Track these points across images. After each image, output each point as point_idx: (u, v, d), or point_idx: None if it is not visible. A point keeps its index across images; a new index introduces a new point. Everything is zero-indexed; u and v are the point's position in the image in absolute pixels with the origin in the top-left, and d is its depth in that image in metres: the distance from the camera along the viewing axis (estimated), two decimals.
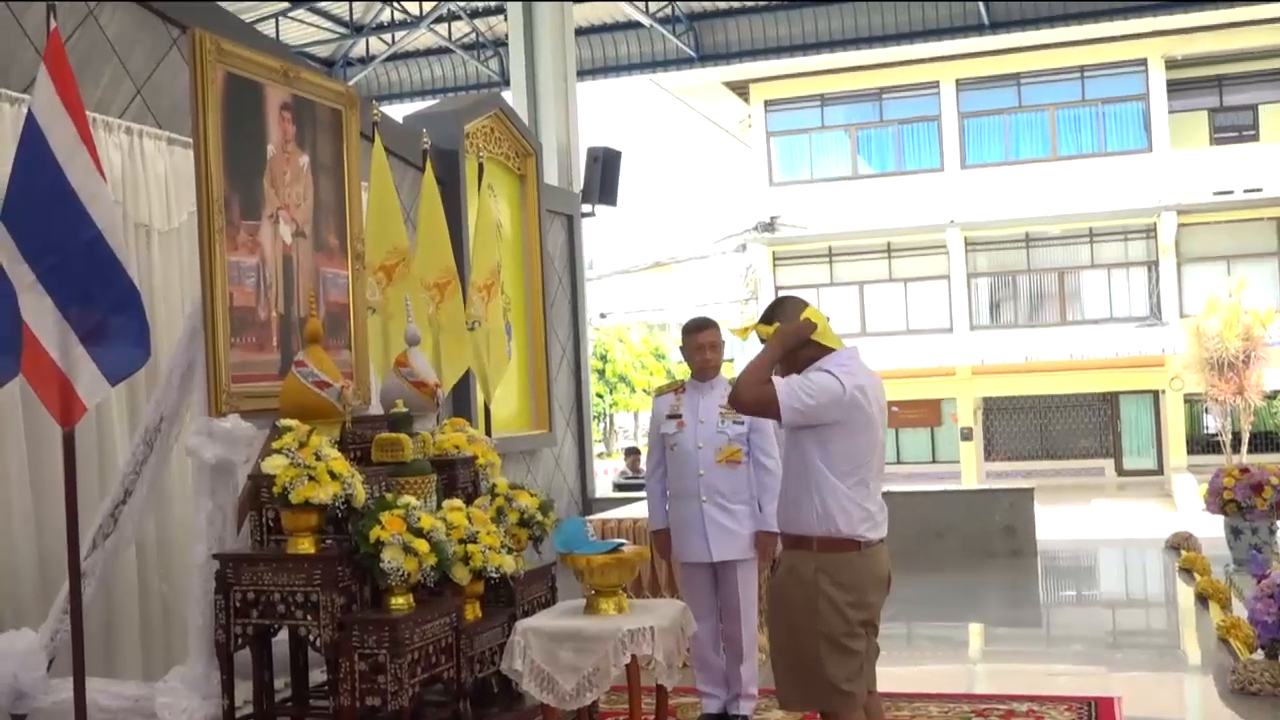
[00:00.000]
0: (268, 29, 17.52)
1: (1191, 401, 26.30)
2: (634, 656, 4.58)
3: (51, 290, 4.29)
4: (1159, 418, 27.16)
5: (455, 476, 5.17)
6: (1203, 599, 8.50)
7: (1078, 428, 28.44)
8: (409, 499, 4.48)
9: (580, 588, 4.95)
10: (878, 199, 26.90)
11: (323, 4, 18.36)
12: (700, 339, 5.73)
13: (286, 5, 17.87)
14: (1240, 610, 7.48)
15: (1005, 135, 27.03)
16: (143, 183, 6.04)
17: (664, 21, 18.74)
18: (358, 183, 5.70)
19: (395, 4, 18.77)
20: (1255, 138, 26.38)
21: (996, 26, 18.33)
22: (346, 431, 4.94)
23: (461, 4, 18.75)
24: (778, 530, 4.41)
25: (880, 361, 20.26)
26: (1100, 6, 17.69)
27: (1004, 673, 7.47)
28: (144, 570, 5.88)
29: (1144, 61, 25.99)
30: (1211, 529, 10.30)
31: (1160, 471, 26.78)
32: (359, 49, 20.22)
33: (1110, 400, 27.92)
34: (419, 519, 4.38)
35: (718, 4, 19.06)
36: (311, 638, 4.32)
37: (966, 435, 27.54)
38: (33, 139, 4.29)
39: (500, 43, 18.96)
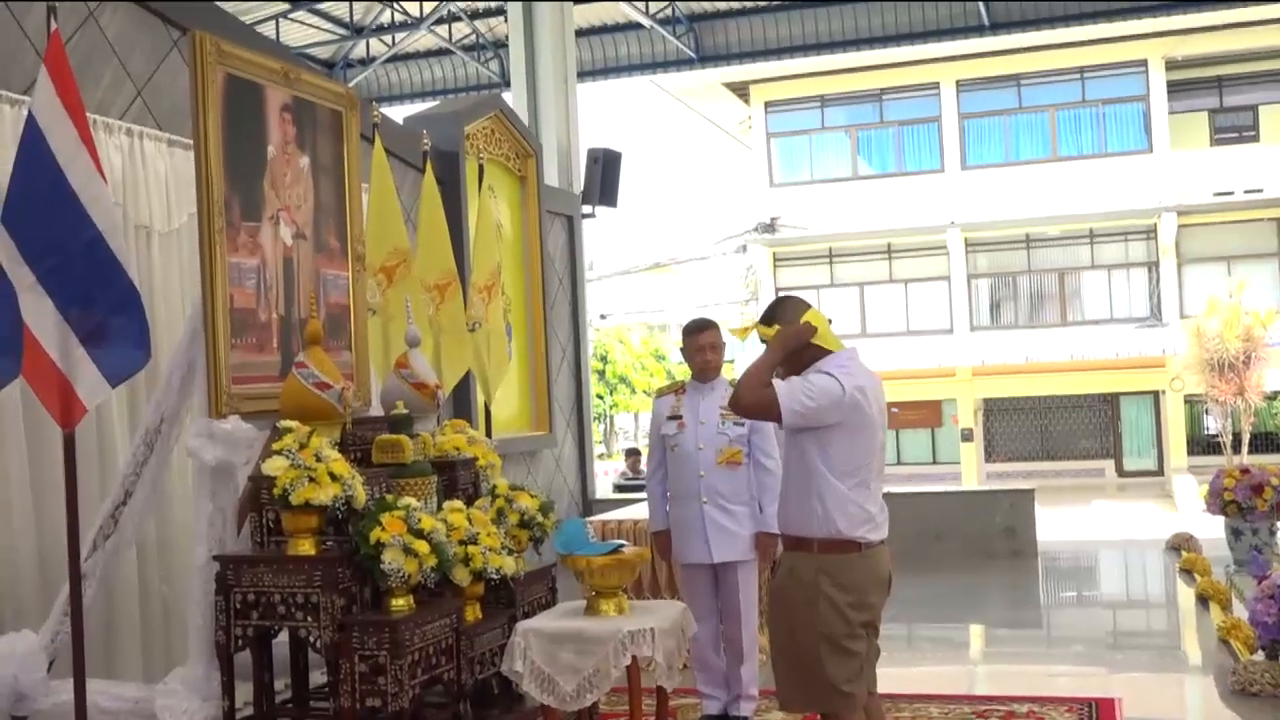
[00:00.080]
0: (268, 30, 17.53)
1: (1192, 402, 26.31)
2: (634, 658, 4.57)
3: (52, 291, 4.29)
4: (1159, 418, 27.17)
5: (456, 478, 5.17)
6: (1203, 600, 8.50)
7: (1078, 429, 28.44)
8: (409, 500, 4.48)
9: (580, 589, 4.94)
10: (878, 200, 26.90)
11: (323, 5, 18.37)
12: (700, 340, 5.73)
13: (287, 7, 17.87)
14: (1241, 611, 7.48)
15: (1005, 136, 27.04)
16: (143, 184, 6.05)
17: (664, 23, 18.74)
18: (358, 184, 5.70)
19: (395, 5, 18.77)
20: (1255, 138, 26.39)
21: (997, 27, 18.34)
22: (347, 433, 4.94)
23: (461, 5, 18.75)
24: (778, 531, 4.41)
25: (880, 362, 20.29)
26: (1100, 7, 17.70)
27: (1004, 674, 7.47)
28: (144, 572, 5.88)
29: (1144, 62, 26.00)
30: (1212, 530, 10.29)
31: (1161, 472, 26.78)
32: (359, 50, 20.23)
33: (1111, 401, 27.92)
34: (419, 520, 4.38)
35: (718, 5, 19.06)
36: (312, 639, 4.32)
37: (967, 436, 27.54)
38: (33, 140, 4.29)
39: (500, 44, 18.97)
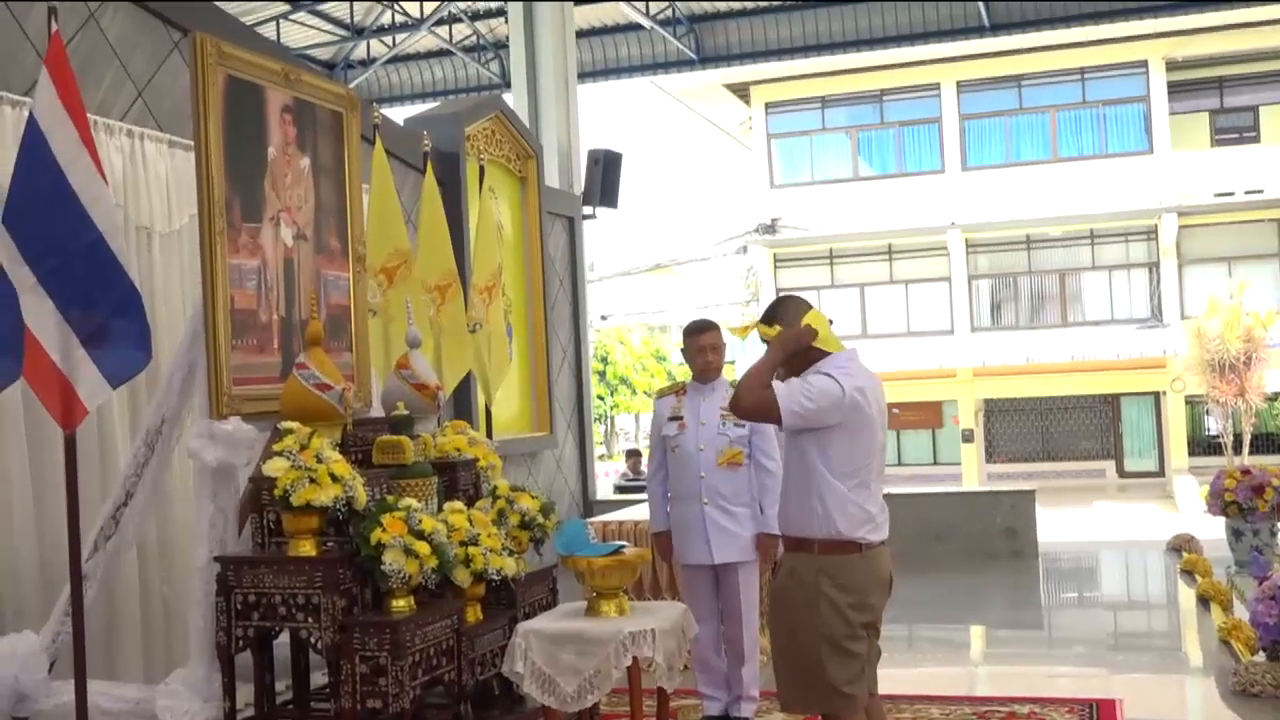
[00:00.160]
0: (269, 32, 17.55)
1: (1193, 403, 26.30)
2: (635, 659, 4.57)
3: (53, 293, 4.29)
4: (1160, 419, 27.16)
5: (456, 479, 5.18)
6: (1204, 601, 8.50)
7: (1079, 429, 28.43)
8: (410, 501, 4.48)
9: (581, 590, 4.94)
10: (879, 201, 26.90)
11: (323, 6, 18.38)
12: (701, 341, 5.73)
13: (287, 8, 17.89)
14: (1242, 612, 7.48)
15: (1006, 137, 27.04)
16: (144, 185, 6.05)
17: (664, 24, 18.75)
18: (359, 185, 5.70)
19: (396, 6, 18.78)
20: (1256, 139, 26.38)
21: (997, 28, 18.36)
22: (348, 434, 4.94)
23: (462, 6, 18.76)
24: (779, 532, 4.41)
25: (881, 363, 20.29)
26: (1101, 8, 17.70)
27: (1005, 675, 7.46)
28: (145, 572, 5.88)
29: (1145, 63, 26.00)
30: (1213, 531, 10.29)
31: (1161, 473, 26.77)
32: (360, 51, 20.25)
33: (1111, 402, 27.92)
34: (420, 521, 4.38)
35: (718, 6, 19.07)
36: (313, 640, 4.32)
37: (967, 437, 27.54)
38: (34, 142, 4.29)
39: (501, 45, 18.99)
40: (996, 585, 10.38)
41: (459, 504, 4.80)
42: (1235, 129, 26.63)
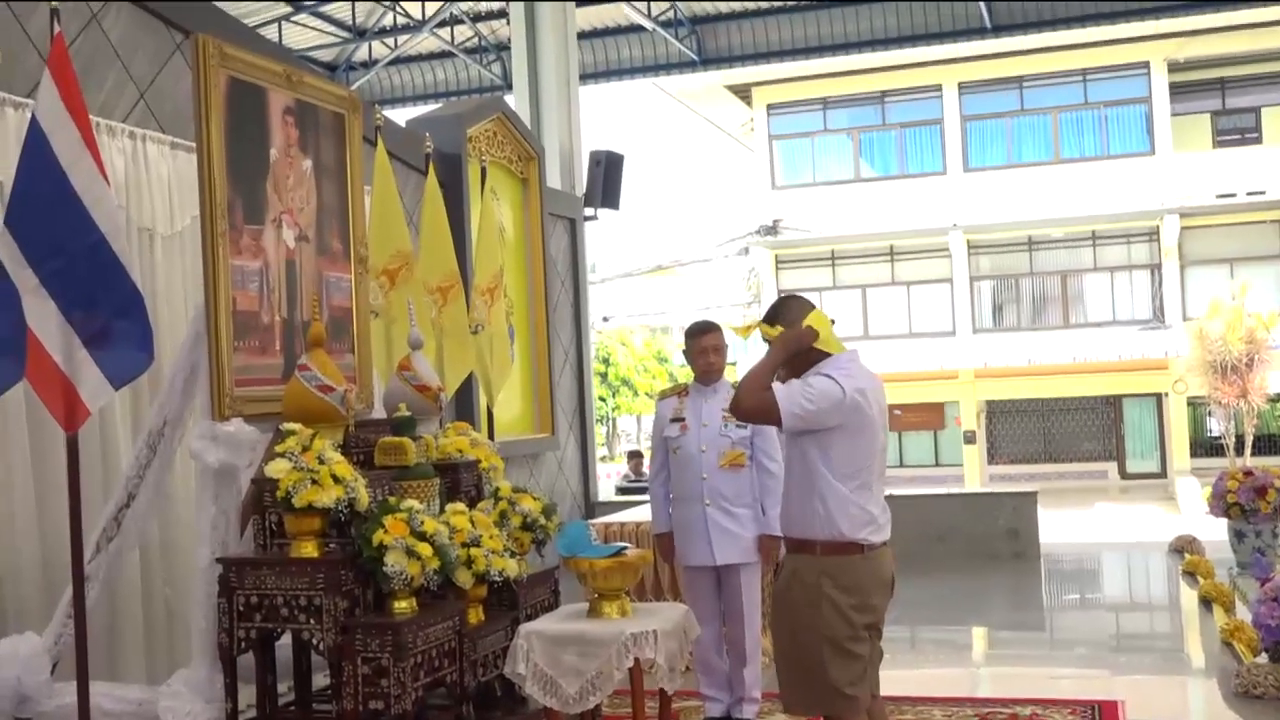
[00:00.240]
0: (270, 33, 17.56)
1: (1195, 404, 26.28)
2: (637, 660, 4.57)
3: (55, 294, 4.29)
4: (1162, 421, 27.14)
5: (458, 480, 5.18)
6: (1206, 602, 8.49)
7: (1081, 431, 28.41)
8: (412, 503, 4.48)
9: (583, 591, 4.94)
10: (880, 202, 26.90)
11: (325, 8, 18.39)
12: (703, 342, 5.73)
13: (289, 9, 17.90)
14: (1244, 614, 7.48)
15: (1008, 138, 27.04)
16: (146, 187, 6.05)
17: (666, 25, 18.76)
18: (360, 187, 5.70)
19: (398, 8, 18.79)
20: (1258, 140, 26.37)
21: (999, 29, 18.36)
22: (350, 435, 4.94)
23: (464, 8, 18.77)
24: (781, 534, 4.41)
25: (883, 365, 20.26)
26: (1102, 9, 17.70)
27: (1007, 676, 7.46)
28: (147, 574, 5.89)
29: (1146, 64, 26.00)
30: (1215, 532, 10.28)
31: (1163, 474, 26.76)
32: (362, 53, 20.25)
33: (1113, 403, 27.90)
34: (422, 523, 4.38)
35: (720, 7, 19.08)
36: (314, 641, 4.32)
37: (969, 438, 27.53)
38: (36, 143, 4.30)
39: (503, 46, 19.00)
40: (998, 586, 10.38)
41: (461, 505, 4.80)
42: (1237, 130, 26.62)
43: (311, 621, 4.30)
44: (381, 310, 6.07)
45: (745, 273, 31.39)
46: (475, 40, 19.77)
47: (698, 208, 62.44)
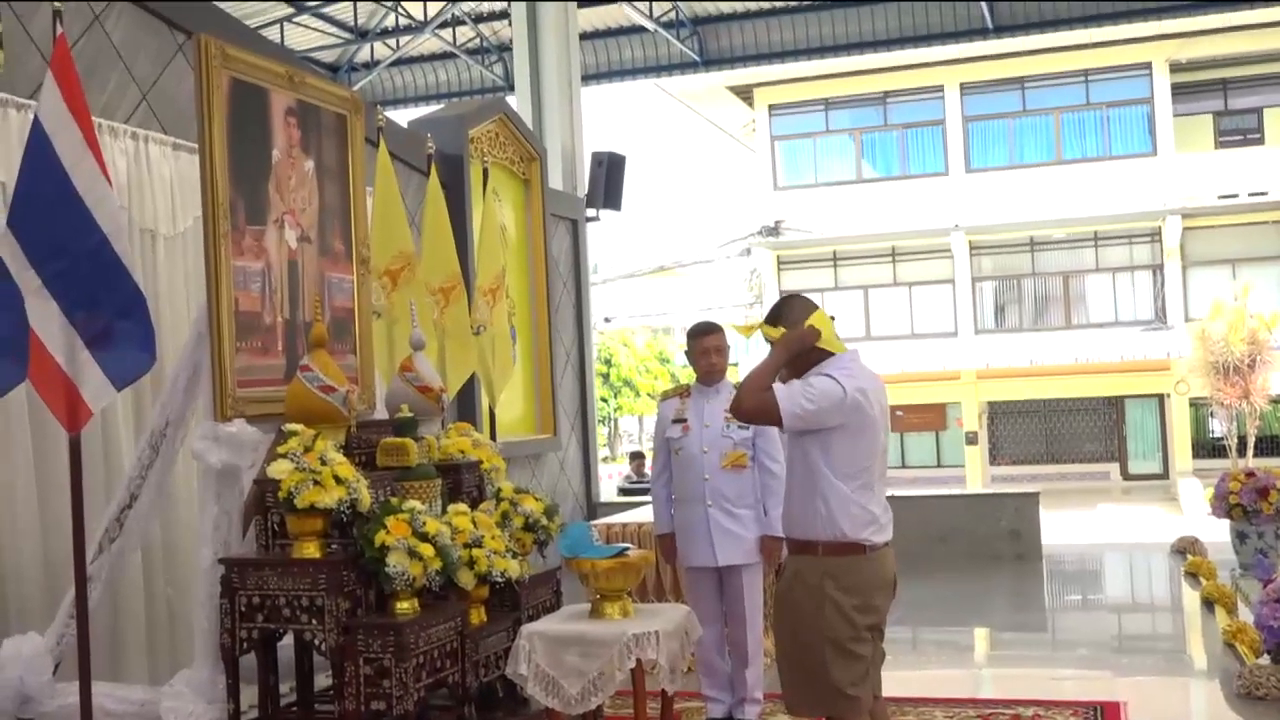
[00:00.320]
0: (273, 34, 17.57)
1: (1197, 405, 26.27)
2: (639, 661, 4.58)
3: (57, 295, 4.30)
4: (1164, 421, 27.13)
5: (460, 481, 5.18)
6: (1208, 603, 8.49)
7: (1083, 431, 28.40)
8: (414, 503, 4.48)
9: (585, 592, 4.95)
10: (882, 203, 26.89)
11: (328, 9, 18.40)
12: (705, 343, 5.73)
13: (291, 10, 17.91)
14: (1246, 615, 7.47)
15: (1010, 139, 27.03)
16: (148, 188, 6.06)
17: (668, 26, 18.76)
18: (363, 187, 5.71)
19: (399, 9, 18.80)
20: (1260, 141, 26.36)
21: (1000, 30, 18.35)
22: (351, 436, 4.95)
23: (466, 9, 18.77)
24: (783, 535, 4.41)
25: (885, 365, 20.24)
26: (1104, 9, 17.69)
27: (1009, 677, 7.46)
28: (149, 574, 5.89)
29: (1148, 65, 25.98)
30: (1217, 533, 10.28)
31: (1166, 475, 26.75)
32: (364, 54, 20.26)
33: (1115, 404, 27.89)
34: (424, 523, 4.38)
35: (721, 8, 19.08)
36: (316, 642, 4.32)
37: (971, 439, 27.52)
38: (39, 144, 4.30)
39: (505, 47, 19.00)
40: (1000, 587, 10.37)
41: (463, 506, 4.80)
42: (1239, 131, 26.61)
43: (313, 622, 4.30)
44: (383, 311, 6.07)
45: (747, 273, 31.39)
46: (477, 41, 19.77)
47: (699, 209, 62.48)
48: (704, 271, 36.08)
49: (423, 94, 21.31)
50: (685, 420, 5.74)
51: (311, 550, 4.37)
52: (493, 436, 6.94)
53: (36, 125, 4.32)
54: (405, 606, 4.34)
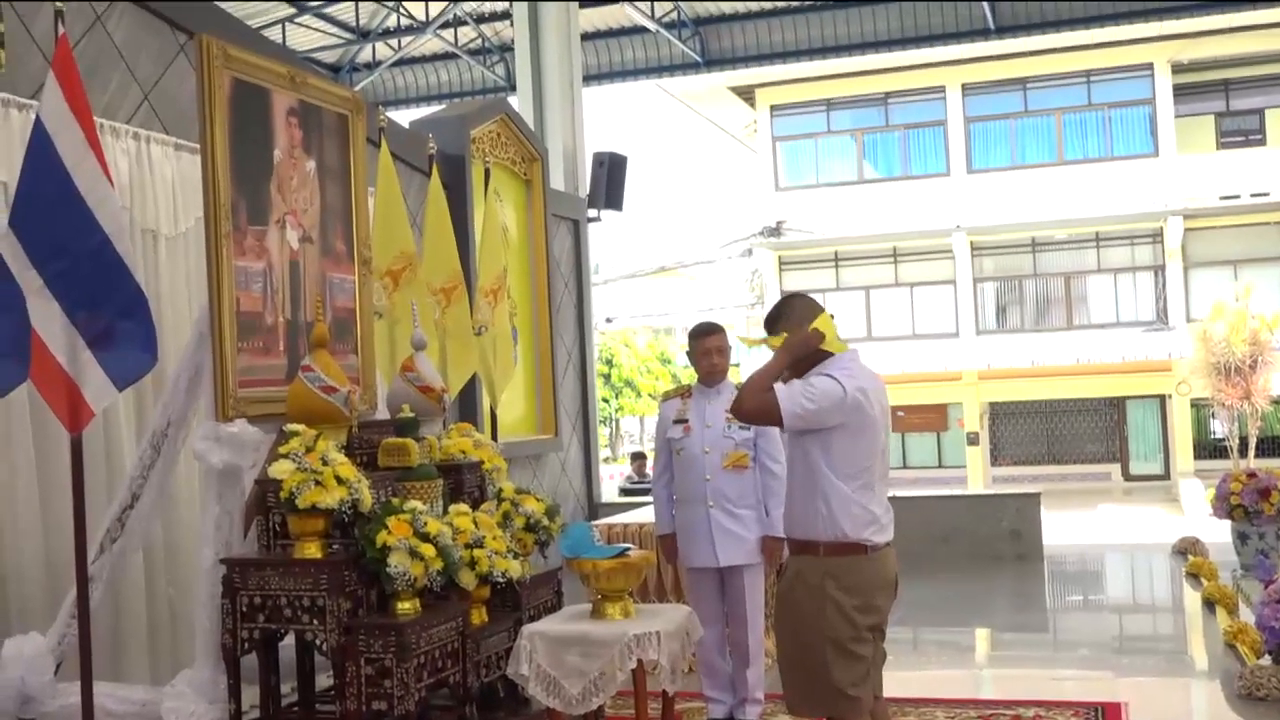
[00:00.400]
0: (274, 34, 17.57)
1: (1198, 406, 26.25)
2: (640, 661, 4.58)
3: (59, 295, 4.30)
4: (1166, 422, 27.12)
5: (461, 481, 5.18)
6: (1210, 604, 8.49)
7: (1084, 432, 28.39)
8: (415, 504, 4.48)
9: (586, 592, 4.95)
10: (884, 203, 26.89)
11: (329, 9, 18.40)
12: (707, 344, 5.73)
13: (293, 11, 17.91)
14: (1247, 615, 7.47)
15: (1011, 140, 27.02)
16: (150, 188, 6.06)
17: (669, 27, 18.76)
18: (364, 188, 5.71)
19: (401, 10, 18.80)
20: (1262, 142, 26.33)
21: (1002, 31, 18.34)
22: (353, 436, 4.95)
23: (467, 9, 18.78)
24: (784, 535, 4.41)
25: (886, 366, 20.25)
26: (1106, 10, 17.69)
27: (1010, 678, 7.46)
28: (151, 574, 5.89)
29: (1150, 66, 25.97)
30: (1218, 534, 10.28)
31: (1167, 476, 26.73)
32: (365, 54, 20.26)
33: (1117, 405, 27.88)
34: (425, 524, 4.39)
35: (723, 8, 19.08)
36: (318, 642, 4.32)
37: (973, 440, 27.51)
38: (41, 145, 4.30)
39: (506, 48, 18.99)
40: (1001, 588, 10.37)
41: (464, 506, 4.80)
42: (1241, 132, 26.58)
43: (315, 622, 4.30)
44: (385, 311, 6.08)
45: (749, 274, 31.41)
46: (479, 42, 19.77)
47: (701, 209, 62.49)
48: (705, 272, 36.13)
49: (424, 94, 21.31)
50: (687, 421, 5.74)
51: (313, 550, 4.37)
52: (494, 437, 6.94)
53: (38, 125, 4.33)
54: (406, 607, 4.34)
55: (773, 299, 26.18)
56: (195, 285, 6.04)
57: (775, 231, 27.81)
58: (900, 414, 26.33)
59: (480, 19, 19.17)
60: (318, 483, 4.30)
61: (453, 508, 4.76)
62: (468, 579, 4.56)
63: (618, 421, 37.59)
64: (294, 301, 5.21)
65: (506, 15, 17.30)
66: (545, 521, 5.23)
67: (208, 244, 4.77)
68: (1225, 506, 9.18)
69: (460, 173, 9.47)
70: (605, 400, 33.39)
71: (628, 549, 5.03)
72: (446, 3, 18.41)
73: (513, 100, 12.89)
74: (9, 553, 5.25)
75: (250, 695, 4.61)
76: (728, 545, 5.61)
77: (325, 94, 5.48)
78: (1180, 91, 26.16)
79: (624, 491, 15.51)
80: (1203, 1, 18.38)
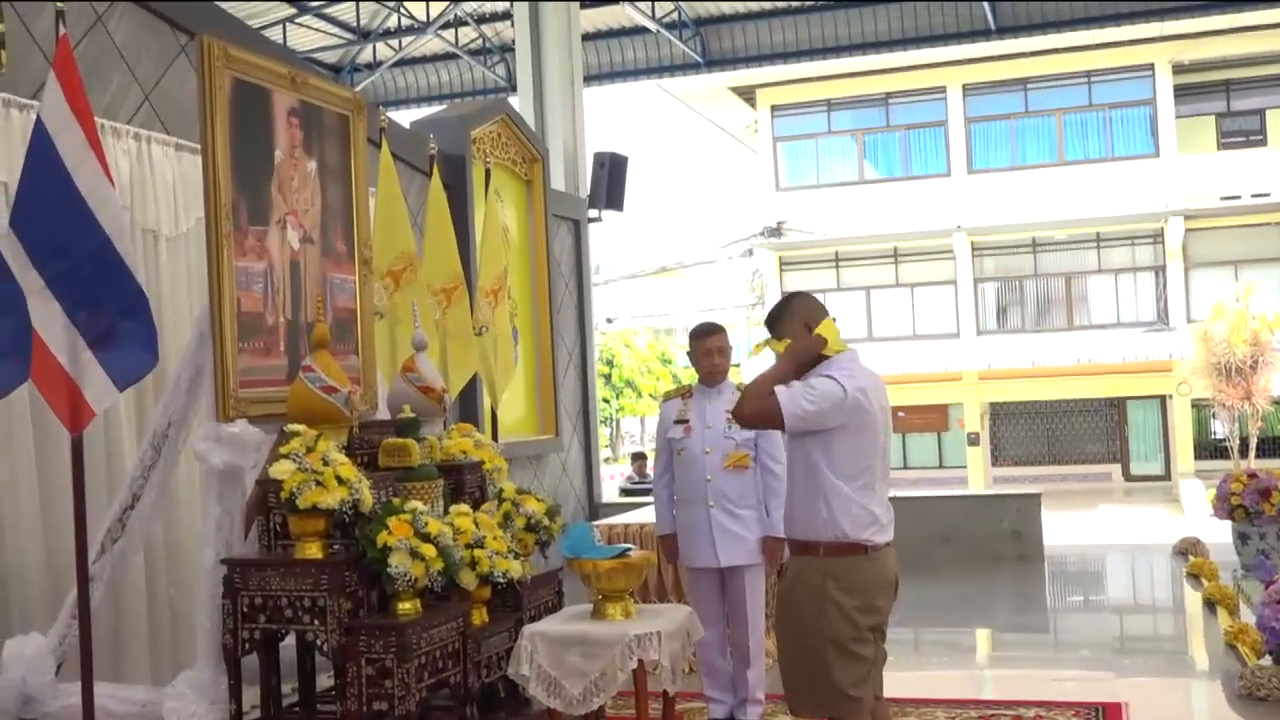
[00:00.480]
0: (275, 35, 17.57)
1: (1199, 406, 26.25)
2: (641, 661, 4.58)
3: (60, 296, 4.30)
4: (1166, 423, 27.12)
5: (462, 481, 5.18)
6: (1210, 604, 8.49)
7: (1085, 433, 28.39)
8: (416, 504, 4.49)
9: (587, 593, 4.95)
10: (884, 204, 26.89)
11: (330, 10, 18.40)
12: (708, 344, 5.74)
13: (294, 11, 17.91)
14: (1248, 615, 7.47)
15: (1012, 140, 27.02)
16: (151, 188, 6.06)
17: (670, 27, 18.76)
18: (365, 188, 5.71)
19: (402, 10, 18.80)
20: (1263, 142, 26.33)
21: (1003, 31, 18.33)
22: (354, 436, 4.95)
23: (468, 10, 18.78)
24: (785, 535, 4.41)
25: (887, 366, 20.27)
26: (1107, 10, 17.69)
27: (1011, 678, 7.45)
28: (152, 575, 5.89)
29: (1151, 66, 25.98)
30: (1219, 534, 10.28)
31: (1168, 477, 26.73)
32: (366, 55, 20.25)
33: (1117, 405, 27.87)
34: (426, 524, 4.39)
35: (724, 9, 19.07)
36: (319, 643, 4.32)
37: (973, 440, 27.51)
38: (41, 145, 4.30)
39: (507, 48, 18.99)
40: (1002, 588, 10.37)
41: (465, 507, 4.80)
42: (1242, 132, 26.59)
43: (315, 623, 4.30)
44: (386, 312, 6.08)
45: (749, 274, 31.42)
46: (479, 42, 19.77)
47: (702, 209, 62.48)
48: (706, 272, 36.12)
49: (425, 95, 21.31)
50: (687, 421, 5.74)
51: (314, 551, 4.37)
52: (495, 437, 6.94)
53: (39, 126, 4.33)
54: (407, 607, 4.34)
55: (773, 299, 26.20)
56: (196, 285, 6.04)
57: (776, 232, 27.81)
58: (901, 414, 26.33)
59: (481, 19, 19.17)
60: (318, 483, 4.30)
61: (453, 508, 4.76)
62: (468, 579, 4.56)
63: (618, 422, 37.60)
64: (295, 302, 5.22)
65: (507, 15, 17.30)
66: (546, 522, 5.23)
67: (208, 244, 4.77)
68: (1226, 507, 9.18)
69: (461, 173, 9.47)
70: (606, 400, 33.39)
71: (628, 549, 5.03)
72: (447, 3, 18.41)
73: (513, 100, 12.89)
74: (10, 553, 5.25)
75: (251, 696, 4.61)
76: (728, 545, 5.61)
77: (326, 94, 5.49)
78: (1181, 92, 26.16)
79: (625, 492, 15.52)
80: (1204, 2, 18.38)
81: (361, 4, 18.43)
